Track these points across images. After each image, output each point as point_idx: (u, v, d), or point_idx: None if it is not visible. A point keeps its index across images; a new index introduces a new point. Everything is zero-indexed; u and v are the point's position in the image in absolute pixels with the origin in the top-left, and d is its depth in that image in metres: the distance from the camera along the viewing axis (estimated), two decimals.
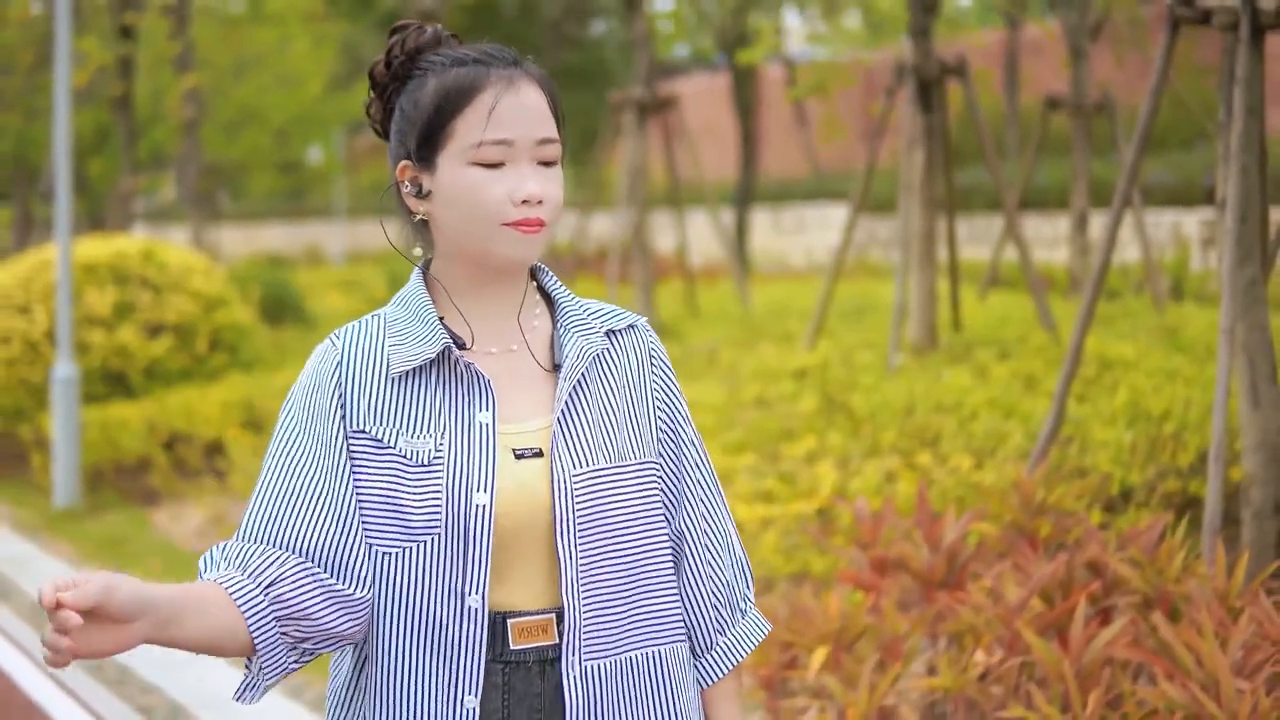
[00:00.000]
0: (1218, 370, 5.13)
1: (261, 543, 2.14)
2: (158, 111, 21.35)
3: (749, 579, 2.35)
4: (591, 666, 2.17)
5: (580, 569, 2.16)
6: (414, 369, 2.16)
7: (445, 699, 2.12)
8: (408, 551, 2.13)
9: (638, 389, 2.26)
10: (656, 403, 2.27)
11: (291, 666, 2.13)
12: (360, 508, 2.14)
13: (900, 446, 7.03)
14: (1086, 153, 11.58)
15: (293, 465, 2.16)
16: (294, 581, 2.11)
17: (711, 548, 2.30)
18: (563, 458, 2.16)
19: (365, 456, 2.14)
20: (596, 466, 2.18)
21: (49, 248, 12.76)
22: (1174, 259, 12.30)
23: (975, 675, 4.37)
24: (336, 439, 2.15)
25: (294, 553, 2.13)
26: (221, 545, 2.17)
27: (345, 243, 29.82)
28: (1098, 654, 4.10)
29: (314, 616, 2.12)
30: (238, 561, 2.13)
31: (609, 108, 13.99)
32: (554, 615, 2.16)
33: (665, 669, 2.24)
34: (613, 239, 13.67)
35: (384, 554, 2.14)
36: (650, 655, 2.23)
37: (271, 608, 2.10)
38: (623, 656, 2.20)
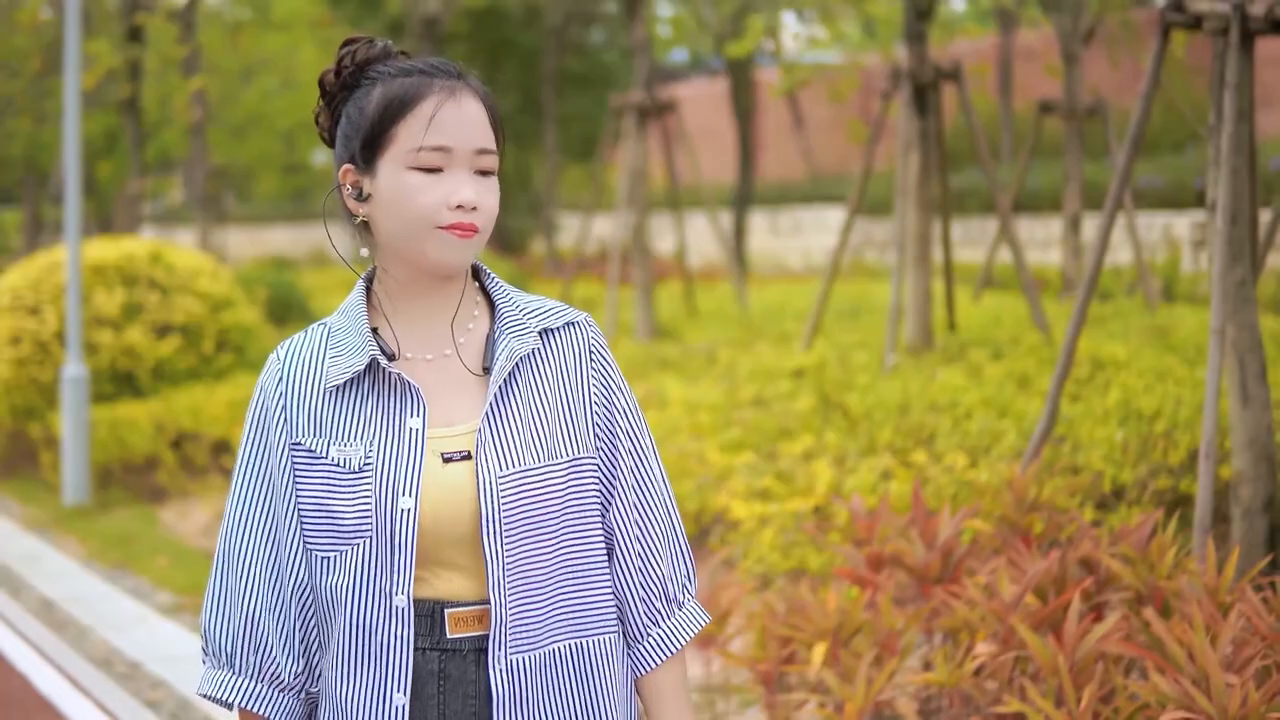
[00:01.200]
0: (1208, 370, 5.13)
1: (245, 603, 2.26)
2: (165, 115, 21.36)
3: (690, 571, 2.36)
4: (517, 659, 2.20)
5: (506, 566, 2.19)
6: (349, 380, 2.22)
7: (376, 696, 2.18)
8: (341, 555, 2.19)
9: (574, 385, 2.27)
10: (594, 397, 2.28)
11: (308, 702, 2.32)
12: (301, 516, 2.22)
13: (896, 445, 7.03)
14: (1079, 156, 11.58)
15: (254, 504, 2.26)
16: (300, 668, 2.27)
17: (645, 540, 2.31)
18: (489, 459, 2.18)
19: (302, 466, 2.22)
20: (523, 467, 2.20)
21: (58, 249, 12.76)
22: (1165, 260, 12.29)
23: (970, 670, 4.37)
24: (281, 454, 2.23)
25: (282, 593, 2.25)
26: (217, 637, 2.29)
27: (349, 244, 29.78)
28: (1091, 649, 4.10)
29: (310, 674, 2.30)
30: (267, 677, 2.27)
31: (609, 112, 13.99)
32: (489, 606, 2.19)
33: (592, 660, 2.26)
34: (613, 241, 13.67)
35: (322, 558, 2.20)
36: (577, 646, 2.25)
37: (291, 698, 2.29)
38: (549, 648, 2.22)
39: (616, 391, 2.31)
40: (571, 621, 2.25)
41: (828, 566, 5.93)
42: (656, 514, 2.32)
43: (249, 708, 2.25)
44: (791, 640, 4.86)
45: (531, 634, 2.21)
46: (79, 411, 10.88)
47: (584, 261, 16.35)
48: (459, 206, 2.14)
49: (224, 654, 2.26)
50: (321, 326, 2.27)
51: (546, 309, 2.29)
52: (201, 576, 8.60)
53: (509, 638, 2.19)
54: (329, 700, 2.23)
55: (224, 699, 2.26)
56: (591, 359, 2.29)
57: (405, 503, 2.15)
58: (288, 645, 2.25)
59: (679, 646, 2.32)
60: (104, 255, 12.45)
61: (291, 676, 2.26)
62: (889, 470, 6.71)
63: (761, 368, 9.41)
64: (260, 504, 2.25)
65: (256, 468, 2.25)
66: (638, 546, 2.30)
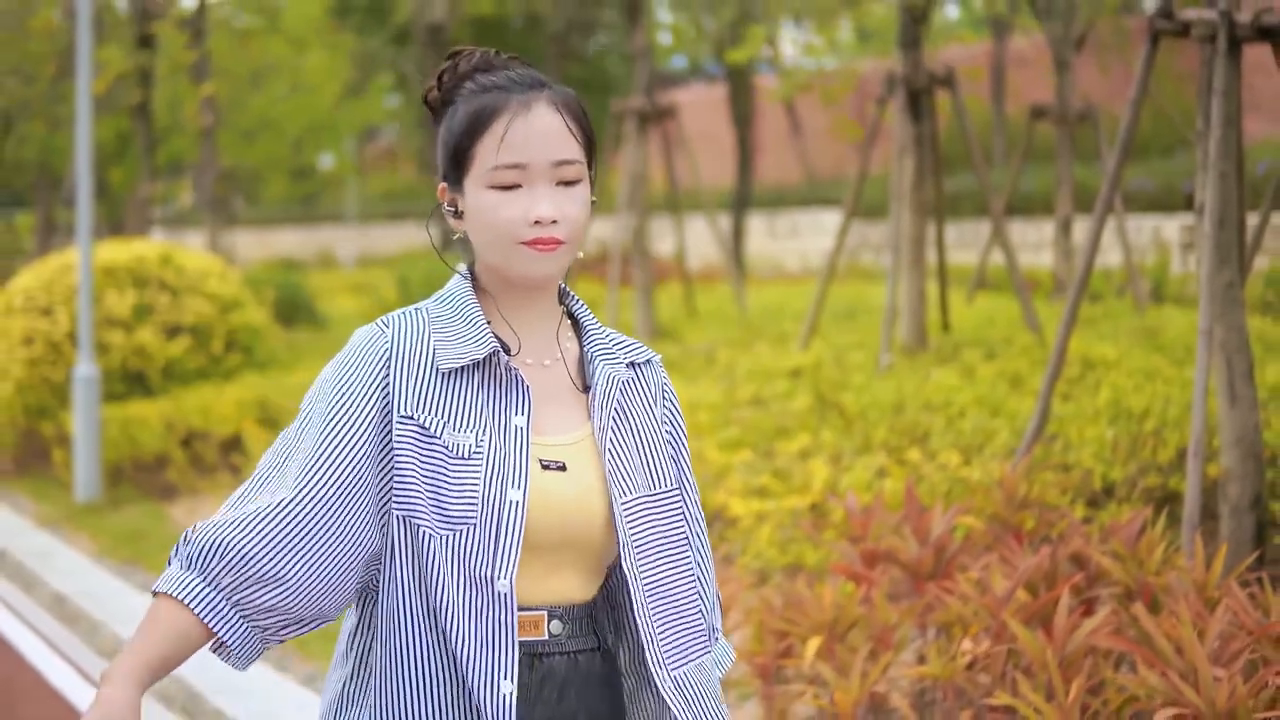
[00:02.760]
0: (1196, 370, 5.13)
1: (268, 489, 2.17)
2: (176, 120, 21.34)
3: (720, 612, 2.42)
4: (679, 675, 2.24)
5: (644, 589, 2.22)
6: (460, 367, 2.19)
7: (488, 679, 2.13)
8: (443, 539, 2.14)
9: (653, 420, 2.30)
10: (668, 437, 2.32)
11: (269, 645, 2.17)
12: (401, 490, 2.15)
13: (890, 443, 7.03)
14: (1070, 160, 11.57)
15: (335, 417, 2.15)
16: (258, 566, 2.11)
17: (702, 574, 2.36)
18: (619, 481, 2.21)
19: (412, 442, 2.15)
20: (642, 492, 2.24)
21: (70, 252, 12.75)
22: (1154, 263, 12.28)
23: (963, 664, 4.37)
24: (375, 415, 2.15)
25: (320, 487, 2.13)
26: (199, 530, 2.16)
27: (356, 247, 29.80)
28: (1080, 643, 4.10)
29: (286, 581, 2.13)
30: (200, 563, 2.12)
31: (610, 117, 13.98)
32: (545, 613, 2.19)
33: (711, 677, 2.31)
34: (614, 243, 13.67)
35: (428, 534, 2.14)
36: (704, 665, 2.31)
37: (236, 610, 2.12)
38: (690, 667, 2.27)
39: (682, 433, 2.36)
40: (692, 643, 2.28)
41: (824, 562, 5.93)
42: (705, 559, 2.37)
43: (171, 593, 2.10)
44: (788, 634, 4.86)
45: (677, 651, 2.25)
46: (90, 410, 10.87)
47: (585, 263, 16.35)
48: (537, 222, 2.14)
49: (202, 554, 2.12)
50: (420, 310, 2.23)
51: (628, 342, 2.33)
52: None
53: (667, 657, 2.23)
54: (411, 695, 2.15)
55: (178, 595, 2.10)
56: (664, 398, 2.33)
57: (514, 495, 2.14)
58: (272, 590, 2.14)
59: (719, 672, 2.37)
60: (115, 257, 12.45)
61: (269, 619, 2.14)
62: (884, 468, 6.71)
63: (759, 368, 9.41)
64: (347, 455, 2.14)
65: (347, 420, 2.14)
66: (699, 579, 2.36)
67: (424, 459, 2.15)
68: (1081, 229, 11.81)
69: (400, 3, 21.18)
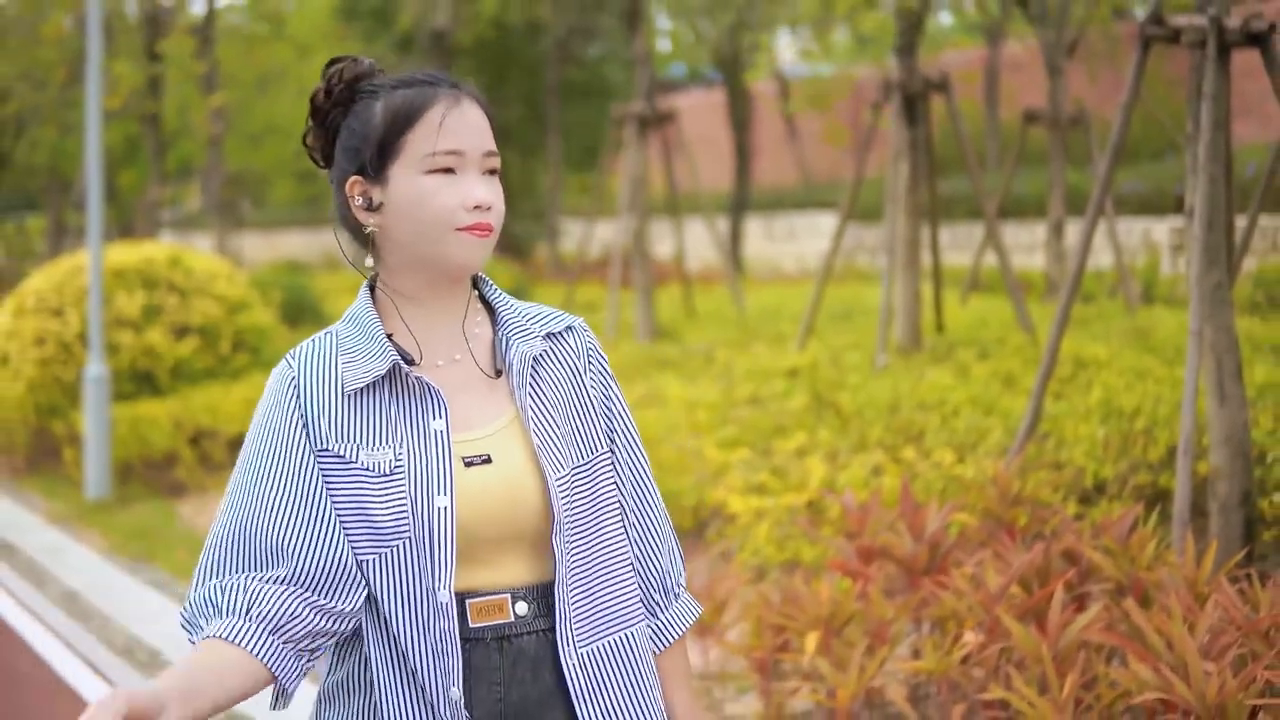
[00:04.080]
0: (1186, 369, 5.13)
1: (244, 572, 2.13)
2: (184, 125, 21.35)
3: (681, 565, 2.38)
4: (585, 652, 2.21)
5: (567, 564, 2.20)
6: (368, 384, 2.17)
7: (432, 691, 2.14)
8: (381, 557, 2.14)
9: (579, 386, 2.28)
10: (598, 398, 2.29)
11: (306, 669, 2.16)
12: (340, 520, 2.14)
13: (886, 442, 7.03)
14: (1062, 164, 11.57)
15: (269, 491, 2.14)
16: (293, 614, 2.11)
17: (645, 535, 2.33)
18: (550, 461, 2.19)
19: (332, 472, 2.15)
20: (572, 466, 2.22)
21: (81, 254, 12.76)
22: (1145, 264, 12.28)
23: (958, 658, 4.37)
24: (305, 459, 2.15)
25: (282, 579, 2.12)
26: (203, 592, 2.13)
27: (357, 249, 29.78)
28: (1073, 638, 4.10)
29: (316, 634, 2.14)
30: (241, 609, 2.10)
31: (611, 122, 13.98)
32: (509, 595, 2.18)
33: (639, 650, 2.28)
34: (614, 246, 13.66)
35: (364, 561, 2.15)
36: (627, 637, 2.27)
37: (282, 643, 2.11)
38: (606, 640, 2.24)
39: (614, 394, 2.32)
40: (618, 613, 2.26)
41: (821, 559, 5.93)
42: (653, 511, 2.34)
43: (230, 638, 2.07)
44: (786, 630, 4.86)
45: (594, 626, 2.22)
46: (100, 409, 10.87)
47: (586, 266, 16.35)
48: (476, 207, 2.14)
49: (205, 607, 2.10)
50: (327, 334, 2.22)
51: (545, 314, 2.30)
52: None
53: (575, 633, 2.20)
54: (378, 698, 2.17)
55: (210, 635, 2.07)
56: (590, 361, 2.30)
57: (441, 501, 2.13)
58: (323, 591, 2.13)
59: (679, 634, 2.35)
60: (125, 259, 12.44)
61: (300, 630, 2.12)
62: (879, 466, 6.71)
63: (757, 368, 9.41)
64: (297, 485, 2.13)
65: (283, 463, 2.14)
66: (639, 541, 2.33)
67: (347, 486, 2.14)
68: (1073, 231, 11.81)
69: (404, 9, 21.16)
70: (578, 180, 27.37)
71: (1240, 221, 6.20)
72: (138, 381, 12.05)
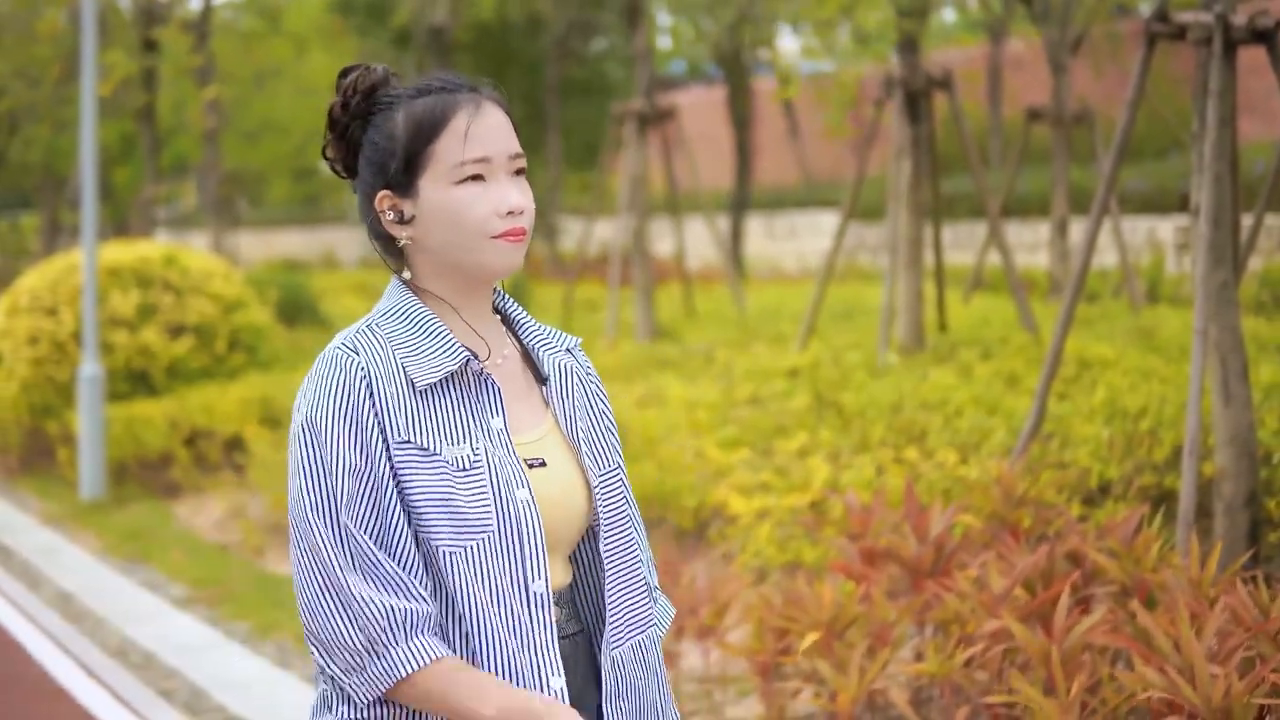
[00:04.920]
0: (1191, 369, 5.13)
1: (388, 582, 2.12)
2: (180, 122, 21.33)
3: (654, 568, 2.42)
4: (618, 655, 2.24)
5: (610, 569, 2.25)
6: (436, 382, 2.17)
7: (532, 682, 2.14)
8: (467, 550, 2.13)
9: (592, 401, 2.33)
10: (601, 415, 2.34)
11: None
12: (417, 513, 2.12)
13: (888, 442, 7.02)
14: (1066, 162, 11.56)
15: (349, 466, 2.11)
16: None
17: (639, 538, 2.38)
18: (591, 467, 2.24)
19: (415, 464, 2.12)
20: (607, 469, 2.27)
21: (75, 252, 12.75)
22: (1150, 263, 12.28)
23: (961, 661, 4.36)
24: (378, 451, 2.12)
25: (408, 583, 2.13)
26: (402, 623, 2.10)
27: (358, 248, 29.81)
28: (1078, 640, 4.10)
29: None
30: (435, 641, 2.11)
31: (611, 119, 13.97)
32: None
33: (656, 651, 2.33)
34: (614, 244, 13.66)
35: (448, 552, 2.12)
36: (646, 640, 2.31)
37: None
38: (636, 640, 2.28)
39: (610, 411, 2.38)
40: (641, 616, 2.30)
41: (822, 560, 5.93)
42: (638, 521, 2.38)
43: (428, 661, 2.08)
44: (787, 632, 4.86)
45: (628, 628, 2.26)
46: (95, 409, 10.87)
47: (586, 264, 16.34)
48: (509, 213, 2.15)
49: (384, 637, 2.08)
50: (370, 328, 2.19)
51: (557, 331, 2.35)
52: (214, 570, 8.60)
53: (610, 634, 2.23)
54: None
55: (415, 668, 2.07)
56: (590, 378, 2.35)
57: (523, 494, 2.15)
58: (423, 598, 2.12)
59: (662, 634, 2.38)
60: (119, 258, 12.44)
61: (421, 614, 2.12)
62: (882, 466, 6.70)
63: (758, 367, 9.40)
64: (366, 499, 2.10)
65: (357, 462, 2.10)
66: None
67: (431, 479, 2.13)
68: (1077, 230, 11.80)
69: (402, 5, 21.15)
70: (577, 178, 27.36)
71: (1246, 220, 6.20)
72: (132, 381, 12.05)
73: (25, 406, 12.13)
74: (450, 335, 2.18)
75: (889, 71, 9.58)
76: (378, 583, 2.09)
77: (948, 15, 23.08)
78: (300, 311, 16.16)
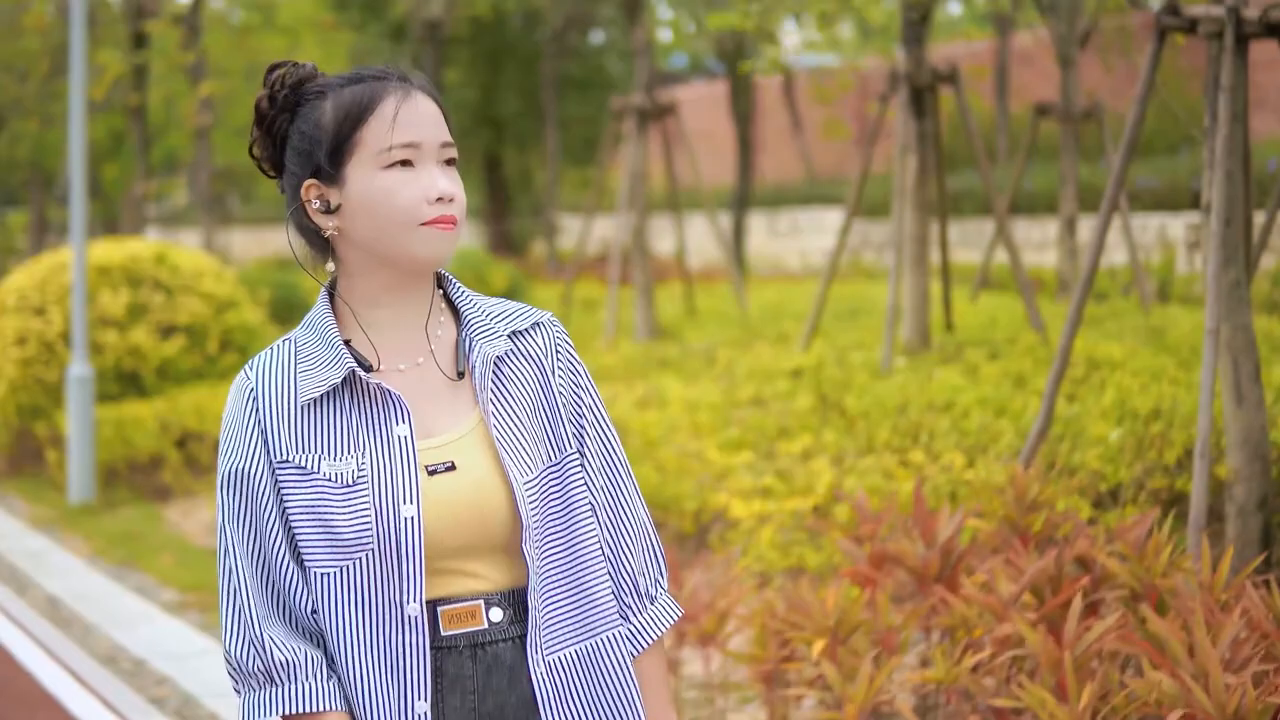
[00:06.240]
0: (1203, 370, 5.12)
1: (284, 625, 2.20)
2: (171, 118, 21.33)
3: (662, 565, 2.36)
4: (553, 659, 2.21)
5: (538, 571, 2.19)
6: (325, 393, 2.17)
7: (398, 705, 2.14)
8: (343, 570, 2.14)
9: (548, 384, 2.26)
10: (567, 395, 2.27)
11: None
12: (295, 533, 2.16)
13: (894, 444, 7.02)
14: (1075, 158, 11.57)
15: (241, 525, 2.19)
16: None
17: (617, 535, 2.31)
18: (514, 466, 2.18)
19: (292, 483, 2.16)
20: (541, 469, 2.21)
21: (64, 251, 12.75)
22: (1160, 262, 12.29)
23: (968, 667, 4.36)
24: (263, 473, 2.17)
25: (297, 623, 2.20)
26: (246, 654, 2.19)
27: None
28: (1089, 647, 4.09)
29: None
30: (323, 673, 2.18)
31: (610, 115, 13.98)
32: (482, 602, 2.18)
33: (617, 654, 2.27)
34: (614, 242, 13.66)
35: (322, 574, 2.15)
36: (606, 640, 2.26)
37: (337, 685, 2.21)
38: (580, 645, 2.24)
39: (584, 388, 2.30)
40: (590, 619, 2.25)
41: (826, 564, 5.93)
42: (627, 509, 2.32)
43: (314, 709, 2.16)
44: (791, 638, 4.85)
45: (567, 631, 2.22)
46: (84, 411, 10.87)
47: (585, 263, 16.35)
48: (439, 200, 2.13)
49: (265, 672, 2.17)
50: (287, 342, 2.22)
51: (512, 311, 2.28)
52: (206, 574, 8.60)
53: (543, 639, 2.20)
54: (352, 708, 2.18)
55: (288, 711, 2.16)
56: (558, 355, 2.28)
57: (408, 510, 2.12)
58: (312, 641, 2.19)
59: (653, 639, 2.32)
60: (109, 256, 12.43)
61: (325, 664, 2.18)
62: (888, 469, 6.70)
63: (760, 368, 9.40)
64: (245, 524, 2.18)
65: (241, 492, 2.18)
66: (611, 542, 2.30)
67: (307, 497, 2.15)
68: (1086, 228, 11.81)
69: None
70: (576, 175, 27.37)
71: (1258, 217, 6.20)
72: (122, 382, 12.04)
73: (13, 408, 12.12)
74: (342, 346, 2.17)
75: (894, 66, 9.57)
76: (261, 608, 2.18)
77: (954, 8, 23.08)
78: (293, 311, 16.16)
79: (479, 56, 23.57)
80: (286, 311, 15.91)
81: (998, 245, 11.64)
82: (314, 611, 2.18)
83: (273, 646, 2.16)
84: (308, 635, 2.19)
